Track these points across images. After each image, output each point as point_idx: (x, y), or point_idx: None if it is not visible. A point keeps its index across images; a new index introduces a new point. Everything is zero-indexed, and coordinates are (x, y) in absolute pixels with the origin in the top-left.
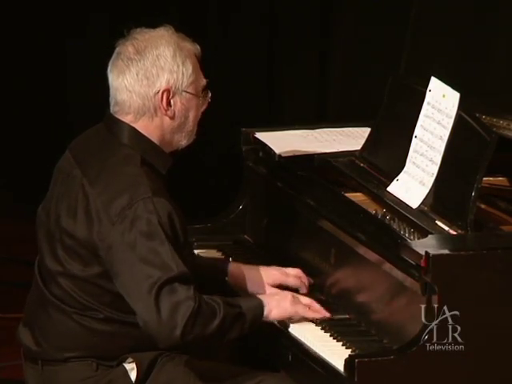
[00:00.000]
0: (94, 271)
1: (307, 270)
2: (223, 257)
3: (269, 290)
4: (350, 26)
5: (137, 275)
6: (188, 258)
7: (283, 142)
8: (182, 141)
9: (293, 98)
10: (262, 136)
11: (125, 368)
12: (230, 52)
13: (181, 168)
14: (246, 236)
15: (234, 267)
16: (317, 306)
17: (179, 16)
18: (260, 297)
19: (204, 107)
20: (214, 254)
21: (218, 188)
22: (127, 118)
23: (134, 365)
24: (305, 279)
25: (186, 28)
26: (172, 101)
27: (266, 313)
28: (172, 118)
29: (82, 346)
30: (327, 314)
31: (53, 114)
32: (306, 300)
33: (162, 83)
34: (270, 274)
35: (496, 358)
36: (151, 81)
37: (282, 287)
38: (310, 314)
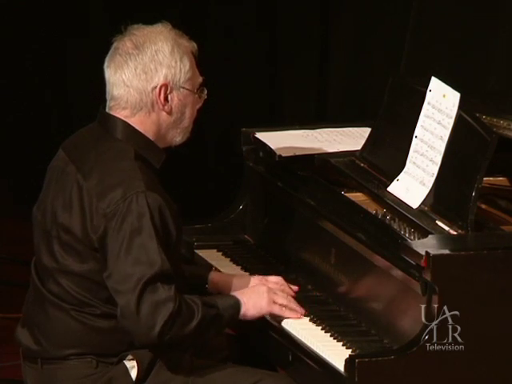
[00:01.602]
0: (90, 266)
1: (307, 269)
2: (207, 264)
3: (247, 284)
4: (350, 26)
5: (122, 270)
6: (177, 256)
7: (283, 142)
8: (177, 137)
9: (293, 98)
10: (262, 136)
11: (125, 366)
12: (230, 52)
13: (181, 168)
14: (246, 236)
15: (214, 275)
16: (293, 305)
17: (179, 15)
18: (237, 295)
19: (200, 105)
20: (214, 253)
21: (218, 188)
22: (123, 113)
23: (134, 363)
24: (285, 287)
25: (186, 27)
26: (169, 96)
27: (242, 312)
28: (169, 113)
29: (82, 343)
30: (303, 312)
31: (54, 113)
32: (282, 300)
33: (160, 78)
34: (250, 281)
35: (496, 358)
36: (149, 76)
37: None
38: (286, 314)
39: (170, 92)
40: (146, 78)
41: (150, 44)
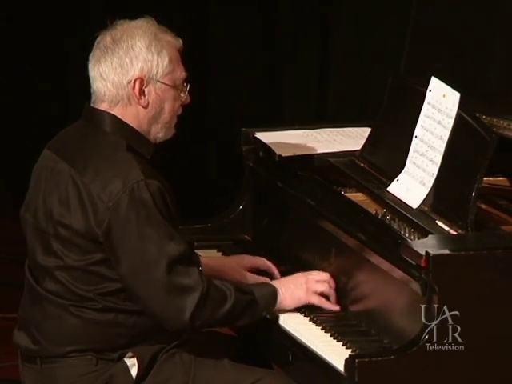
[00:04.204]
0: (93, 259)
1: (307, 270)
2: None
3: (256, 262)
4: (350, 26)
5: (140, 260)
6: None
7: (283, 141)
8: (160, 133)
9: (293, 98)
10: (262, 136)
11: (126, 363)
12: (230, 52)
13: (181, 168)
14: (246, 236)
15: (205, 259)
16: (333, 294)
17: (180, 15)
18: (274, 283)
19: (184, 100)
20: (214, 254)
21: (218, 188)
22: (102, 106)
23: (135, 360)
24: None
25: (187, 27)
26: (146, 90)
27: (279, 301)
28: (145, 107)
29: (81, 339)
30: (337, 308)
31: (53, 113)
32: (322, 287)
33: (135, 72)
34: (240, 258)
35: (496, 358)
36: (125, 69)
37: (254, 271)
38: (326, 305)
39: (146, 86)
40: (122, 71)
41: (127, 38)
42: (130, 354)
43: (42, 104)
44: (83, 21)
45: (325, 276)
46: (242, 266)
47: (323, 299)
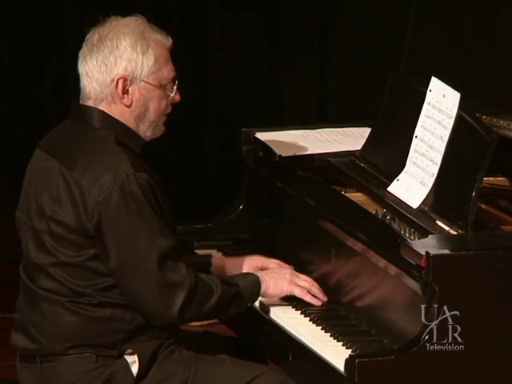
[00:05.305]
0: (87, 255)
1: (307, 270)
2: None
3: (269, 264)
4: (350, 26)
5: (131, 254)
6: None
7: (283, 141)
8: (147, 132)
9: (293, 98)
10: (261, 136)
11: (126, 361)
12: (230, 52)
13: (181, 168)
14: (245, 236)
15: (217, 259)
16: (315, 290)
17: (181, 16)
18: (257, 273)
19: (173, 99)
20: (214, 254)
21: (218, 188)
22: (89, 103)
23: (135, 357)
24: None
25: (187, 28)
26: (130, 89)
27: (262, 290)
28: (129, 106)
29: (79, 335)
30: (324, 299)
31: (53, 114)
32: (304, 283)
33: (119, 71)
34: (253, 258)
35: (496, 358)
36: (109, 68)
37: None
38: (307, 298)
39: (130, 85)
40: (106, 70)
41: (112, 37)
42: (129, 350)
43: (43, 105)
44: (84, 22)
45: (307, 277)
46: (255, 267)
47: (305, 291)
